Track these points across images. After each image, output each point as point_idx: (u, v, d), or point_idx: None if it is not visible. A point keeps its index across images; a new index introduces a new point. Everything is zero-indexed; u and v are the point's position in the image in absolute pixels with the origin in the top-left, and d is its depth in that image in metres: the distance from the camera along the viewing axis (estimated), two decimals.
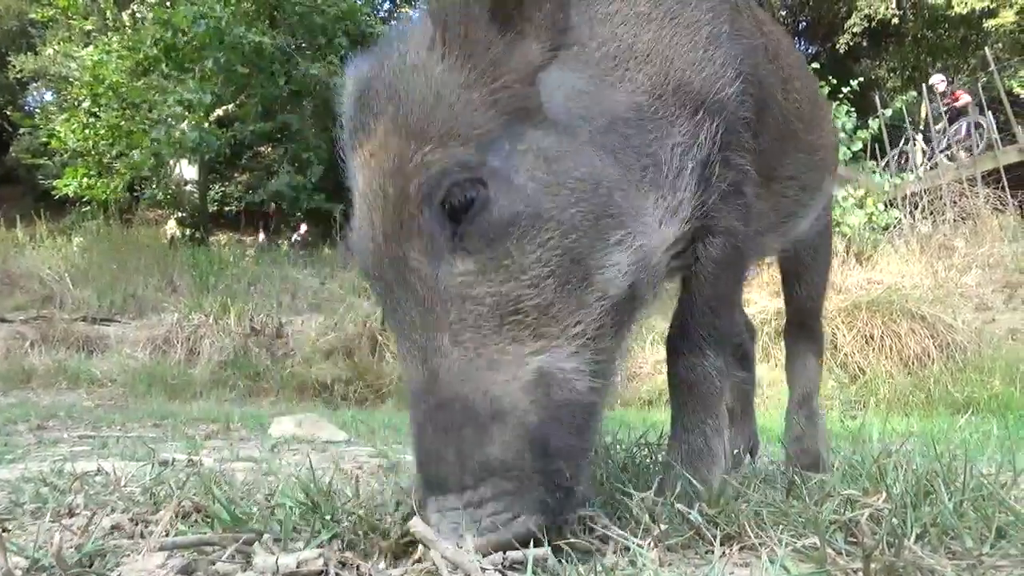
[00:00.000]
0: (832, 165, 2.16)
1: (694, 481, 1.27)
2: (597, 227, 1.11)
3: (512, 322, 1.04)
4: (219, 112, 14.24)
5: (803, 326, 2.33)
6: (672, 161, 1.31)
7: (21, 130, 16.72)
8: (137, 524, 1.13)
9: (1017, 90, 17.77)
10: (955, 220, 10.71)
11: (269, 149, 17.54)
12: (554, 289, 1.06)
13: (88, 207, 13.85)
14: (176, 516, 1.12)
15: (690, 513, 1.14)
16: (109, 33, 14.29)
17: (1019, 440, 3.72)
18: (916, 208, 10.87)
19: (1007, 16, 18.07)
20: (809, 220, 2.07)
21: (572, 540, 1.02)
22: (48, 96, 19.28)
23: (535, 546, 0.94)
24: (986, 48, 15.31)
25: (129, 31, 14.13)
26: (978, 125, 13.02)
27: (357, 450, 3.14)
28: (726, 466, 1.42)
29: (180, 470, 1.83)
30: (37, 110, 17.70)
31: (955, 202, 11.11)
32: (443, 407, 1.00)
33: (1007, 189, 11.32)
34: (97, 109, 13.40)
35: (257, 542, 1.01)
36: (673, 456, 1.40)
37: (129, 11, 14.95)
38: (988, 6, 17.93)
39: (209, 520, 1.09)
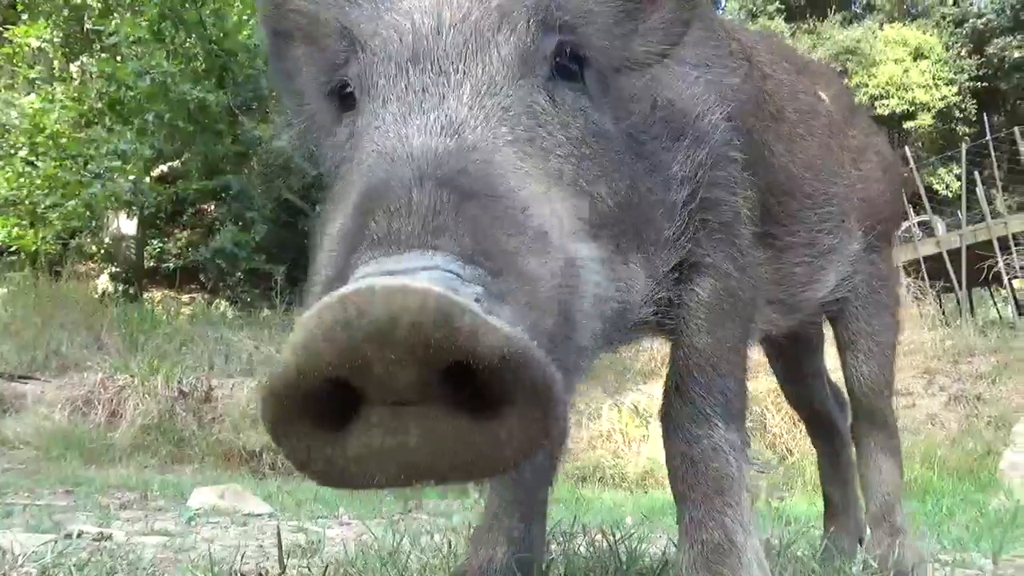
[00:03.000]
0: (860, 213, 1.85)
1: None
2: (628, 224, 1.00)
3: (572, 195, 0.86)
4: (163, 168, 14.07)
5: (869, 414, 1.90)
6: (670, 198, 1.18)
7: None
8: None
9: (936, 186, 18.93)
10: None
11: (212, 207, 17.32)
12: (602, 213, 0.92)
13: (15, 257, 13.38)
14: None
15: None
16: (55, 83, 14.10)
17: (933, 525, 3.85)
18: None
19: (925, 119, 19.41)
20: (832, 282, 1.80)
21: None
22: None
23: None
24: (906, 147, 16.33)
25: (76, 82, 13.98)
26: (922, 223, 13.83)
27: (280, 524, 3.05)
28: (761, 567, 1.12)
29: (85, 546, 1.75)
30: None
31: None
32: (471, 178, 0.71)
33: (926, 279, 11.91)
34: (35, 158, 13.10)
35: None
36: (685, 560, 1.13)
37: (78, 63, 14.82)
38: (907, 109, 19.24)
39: None
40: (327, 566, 1.41)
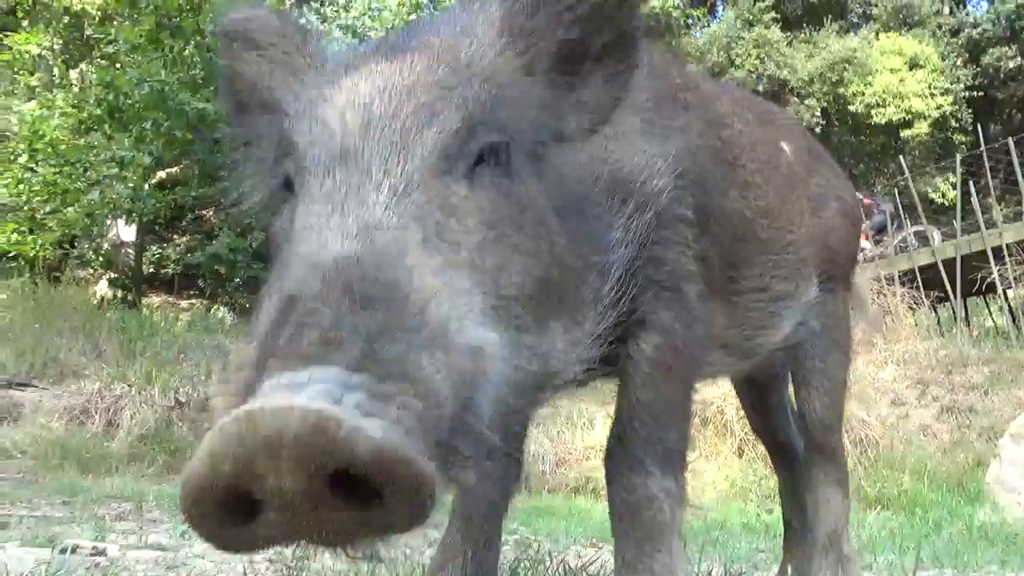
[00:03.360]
0: (819, 259, 1.91)
1: None
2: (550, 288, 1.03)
3: (484, 282, 0.90)
4: (162, 175, 14.13)
5: (819, 447, 1.96)
6: (606, 261, 1.21)
7: None
8: None
9: (932, 195, 19.03)
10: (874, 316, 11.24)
11: (211, 213, 17.39)
12: (519, 294, 0.95)
13: (14, 263, 13.42)
14: None
15: None
16: (55, 90, 14.17)
17: (917, 539, 3.90)
18: None
19: (921, 127, 19.52)
20: (787, 327, 1.87)
21: None
22: None
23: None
24: (901, 157, 16.40)
25: (76, 89, 14.05)
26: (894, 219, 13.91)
27: None
28: None
29: (80, 563, 1.80)
30: None
31: (874, 299, 11.68)
32: (375, 283, 0.77)
33: (921, 289, 11.97)
34: (35, 164, 13.16)
35: None
36: None
37: (78, 70, 14.89)
38: (904, 117, 19.34)
39: None
40: None
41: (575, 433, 7.25)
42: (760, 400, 2.35)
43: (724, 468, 6.57)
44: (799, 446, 2.20)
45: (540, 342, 0.99)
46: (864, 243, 14.15)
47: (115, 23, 13.01)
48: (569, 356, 1.09)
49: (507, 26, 1.08)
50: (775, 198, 1.74)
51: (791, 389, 2.13)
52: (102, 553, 2.18)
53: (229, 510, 0.64)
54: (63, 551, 2.06)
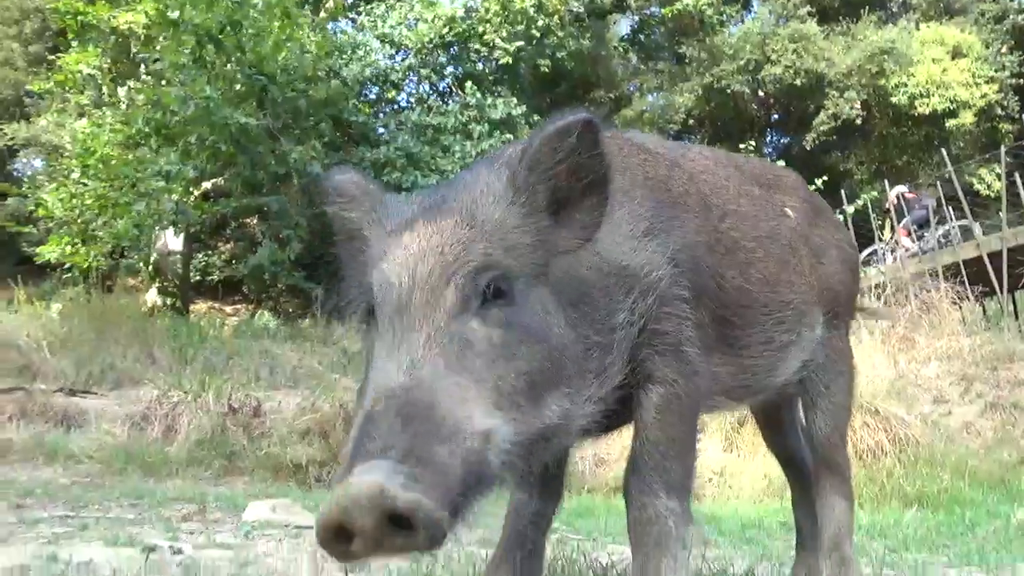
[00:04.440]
0: (816, 304, 2.15)
1: None
2: (555, 375, 1.39)
3: (489, 386, 1.26)
4: (207, 185, 14.55)
5: (825, 461, 2.21)
6: (611, 339, 1.54)
7: (8, 199, 16.89)
8: None
9: (977, 186, 18.64)
10: (916, 313, 11.09)
11: (255, 221, 17.83)
12: (517, 386, 1.30)
13: (69, 273, 13.94)
14: None
15: None
16: (104, 108, 14.67)
17: (952, 537, 3.94)
18: (879, 300, 11.25)
19: (967, 117, 19.11)
20: (794, 365, 2.13)
21: None
22: (37, 163, 19.62)
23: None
24: (943, 150, 16.11)
25: (124, 106, 14.54)
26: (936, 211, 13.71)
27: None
28: None
29: (169, 560, 1.99)
30: (26, 179, 17.98)
31: (916, 295, 11.52)
32: (415, 405, 1.17)
33: (966, 283, 11.78)
34: (86, 179, 13.64)
35: None
36: None
37: (126, 88, 15.40)
38: (948, 107, 18.95)
39: None
40: None
41: (613, 435, 7.34)
42: (772, 418, 2.61)
43: (763, 465, 6.61)
44: (808, 460, 2.37)
45: (538, 412, 1.34)
46: (904, 240, 13.97)
47: (159, 43, 13.42)
48: (571, 415, 1.43)
49: (512, 183, 1.46)
50: (775, 267, 2.01)
51: (801, 407, 2.30)
52: (179, 552, 2.38)
53: (339, 537, 1.09)
54: (146, 549, 2.26)
